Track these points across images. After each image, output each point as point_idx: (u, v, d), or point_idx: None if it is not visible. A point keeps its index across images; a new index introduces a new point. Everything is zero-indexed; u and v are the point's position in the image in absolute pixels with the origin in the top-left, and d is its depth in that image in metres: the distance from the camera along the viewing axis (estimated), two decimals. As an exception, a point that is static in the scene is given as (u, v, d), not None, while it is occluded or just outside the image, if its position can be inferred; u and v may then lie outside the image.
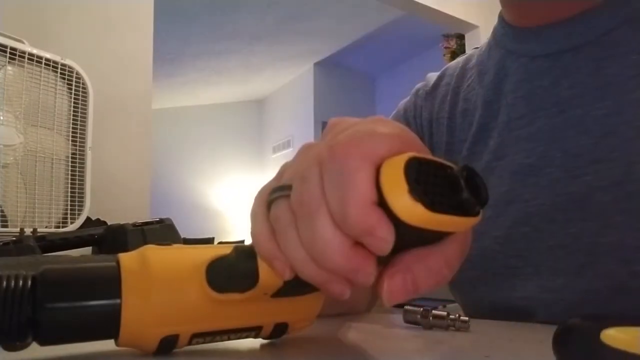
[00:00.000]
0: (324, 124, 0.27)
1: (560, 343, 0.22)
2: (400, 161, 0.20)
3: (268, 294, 0.27)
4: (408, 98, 0.64)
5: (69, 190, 1.11)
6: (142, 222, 0.78)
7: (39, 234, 0.92)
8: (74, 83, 1.12)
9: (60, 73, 1.11)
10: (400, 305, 0.36)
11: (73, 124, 1.12)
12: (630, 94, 0.43)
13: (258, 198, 0.26)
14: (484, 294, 0.50)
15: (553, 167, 0.46)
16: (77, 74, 1.13)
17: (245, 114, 5.38)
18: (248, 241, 0.27)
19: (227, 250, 0.27)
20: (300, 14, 3.68)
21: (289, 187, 0.23)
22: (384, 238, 0.20)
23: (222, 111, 5.30)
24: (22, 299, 0.23)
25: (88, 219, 1.15)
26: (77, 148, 1.13)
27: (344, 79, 4.74)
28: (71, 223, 1.10)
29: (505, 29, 0.54)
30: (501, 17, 0.55)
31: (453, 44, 3.38)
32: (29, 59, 1.04)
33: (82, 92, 1.14)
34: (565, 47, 0.48)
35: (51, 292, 0.24)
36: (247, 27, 3.85)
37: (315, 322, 0.31)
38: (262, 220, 0.25)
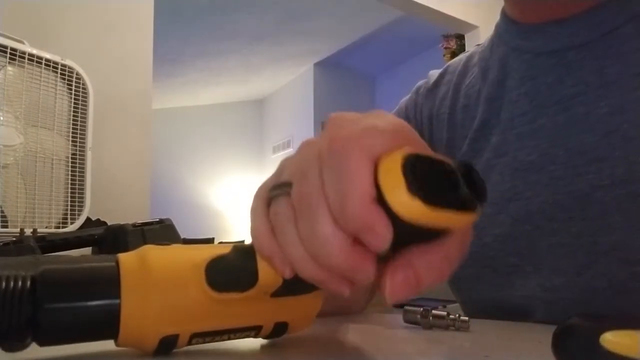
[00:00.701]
0: (324, 124, 0.27)
1: (559, 345, 0.22)
2: (398, 157, 0.20)
3: (268, 293, 0.26)
4: (409, 96, 0.64)
5: (69, 190, 1.11)
6: (142, 223, 0.78)
7: (39, 235, 0.92)
8: (74, 83, 1.12)
9: (61, 73, 1.11)
10: (400, 305, 0.36)
11: (73, 124, 1.13)
12: (634, 93, 0.43)
13: (258, 195, 0.26)
14: (483, 292, 0.50)
15: (555, 165, 0.46)
16: (77, 74, 1.13)
17: (245, 114, 5.38)
18: (248, 241, 0.27)
19: (226, 249, 0.27)
20: (300, 14, 3.69)
21: (288, 184, 0.23)
22: (382, 234, 0.20)
23: (222, 111, 5.31)
24: (22, 300, 0.23)
25: (88, 219, 1.15)
26: (77, 148, 1.13)
27: (344, 79, 4.74)
28: (71, 223, 1.10)
29: (508, 25, 0.54)
30: (504, 13, 0.55)
31: (453, 44, 3.38)
32: (29, 59, 1.04)
33: (82, 92, 1.14)
34: (570, 44, 0.48)
35: (50, 293, 0.24)
36: (247, 27, 3.85)
37: (315, 322, 0.31)
38: (262, 218, 0.25)
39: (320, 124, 4.44)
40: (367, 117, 0.24)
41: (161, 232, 0.77)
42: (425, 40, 3.89)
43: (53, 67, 1.09)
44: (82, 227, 1.10)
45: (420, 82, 0.64)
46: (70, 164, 1.12)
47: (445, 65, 0.63)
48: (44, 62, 1.07)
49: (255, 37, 4.01)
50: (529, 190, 0.47)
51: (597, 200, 0.43)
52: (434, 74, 0.63)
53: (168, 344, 0.26)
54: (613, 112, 0.44)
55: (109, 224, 0.90)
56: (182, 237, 0.80)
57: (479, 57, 0.58)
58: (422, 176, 0.20)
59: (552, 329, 0.23)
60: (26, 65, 1.04)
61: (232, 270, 0.26)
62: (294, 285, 0.25)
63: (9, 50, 1.01)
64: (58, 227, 1.07)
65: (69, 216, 1.10)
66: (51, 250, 0.73)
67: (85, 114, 1.14)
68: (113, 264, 0.26)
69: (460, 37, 3.28)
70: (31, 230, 0.99)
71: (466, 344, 0.34)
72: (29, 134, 1.05)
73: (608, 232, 0.42)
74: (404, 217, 0.20)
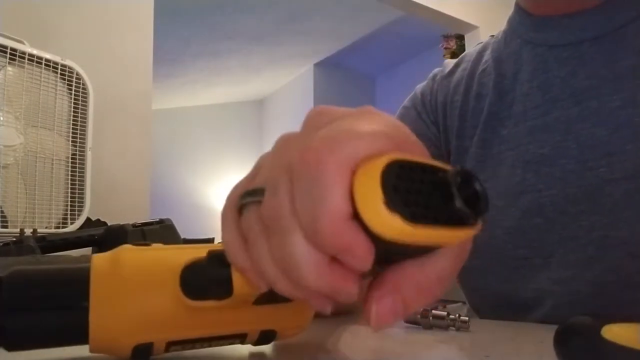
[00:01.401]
0: (305, 119, 0.23)
1: (561, 341, 0.22)
2: (377, 166, 0.17)
3: (249, 302, 0.25)
4: (425, 82, 0.64)
5: (69, 190, 1.11)
6: (142, 223, 0.77)
7: (39, 235, 0.92)
8: (74, 83, 1.12)
9: (61, 74, 1.11)
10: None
11: (73, 124, 1.13)
12: None
13: (229, 198, 0.23)
14: (490, 284, 0.50)
15: (567, 158, 0.46)
16: (77, 74, 1.13)
17: (245, 114, 5.37)
18: None
19: (204, 252, 0.25)
20: (300, 14, 3.68)
21: (261, 192, 0.21)
22: (361, 256, 0.18)
23: (222, 111, 5.30)
24: None
25: (88, 219, 1.15)
26: (77, 148, 1.13)
27: (344, 79, 4.74)
28: (71, 223, 1.10)
29: (521, 18, 0.54)
30: (517, 6, 0.55)
31: (453, 44, 3.38)
32: (29, 59, 1.04)
33: (82, 92, 1.14)
34: (583, 37, 0.48)
35: (16, 296, 0.22)
36: (247, 27, 3.85)
37: (313, 321, 0.30)
38: (233, 228, 0.22)
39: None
40: (350, 116, 0.21)
41: (161, 232, 0.77)
42: (425, 41, 3.89)
43: (53, 67, 1.09)
44: (82, 227, 1.10)
45: (436, 70, 0.64)
46: (70, 164, 1.12)
47: (461, 55, 0.63)
48: (44, 62, 1.07)
49: (255, 37, 4.00)
50: (540, 183, 0.47)
51: (607, 194, 0.43)
52: (450, 62, 0.63)
53: (142, 351, 0.24)
54: (625, 105, 0.44)
55: (109, 224, 0.90)
56: (182, 237, 0.80)
57: (492, 47, 0.58)
58: (407, 187, 0.17)
59: (553, 328, 0.23)
60: (26, 66, 1.04)
61: (207, 278, 0.24)
62: (277, 294, 0.22)
63: (9, 51, 1.00)
64: (58, 227, 1.07)
65: (69, 216, 1.10)
66: (51, 251, 0.73)
67: (85, 114, 1.14)
68: (87, 265, 0.24)
69: (460, 37, 3.28)
70: (31, 230, 0.99)
71: (466, 344, 0.34)
72: (29, 134, 1.04)
73: (618, 226, 0.42)
74: (383, 236, 0.17)
